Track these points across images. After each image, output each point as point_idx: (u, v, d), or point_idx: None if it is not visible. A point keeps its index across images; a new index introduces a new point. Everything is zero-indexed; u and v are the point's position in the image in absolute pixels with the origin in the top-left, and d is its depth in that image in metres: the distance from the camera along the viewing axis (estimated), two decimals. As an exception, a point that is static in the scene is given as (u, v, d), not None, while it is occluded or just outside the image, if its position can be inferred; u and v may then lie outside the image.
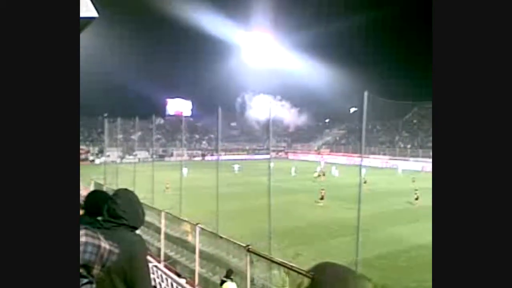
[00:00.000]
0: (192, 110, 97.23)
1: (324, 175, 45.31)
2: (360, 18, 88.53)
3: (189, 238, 12.59)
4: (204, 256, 11.25)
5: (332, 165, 60.28)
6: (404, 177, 42.01)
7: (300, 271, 6.40)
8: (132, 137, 59.93)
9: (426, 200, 27.56)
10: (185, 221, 14.28)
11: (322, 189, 28.93)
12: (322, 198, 27.78)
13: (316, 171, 44.85)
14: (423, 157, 61.61)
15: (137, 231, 2.41)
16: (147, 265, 2.50)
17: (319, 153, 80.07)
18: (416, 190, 28.58)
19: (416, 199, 27.52)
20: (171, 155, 74.15)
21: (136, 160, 45.28)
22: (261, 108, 58.91)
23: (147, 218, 14.41)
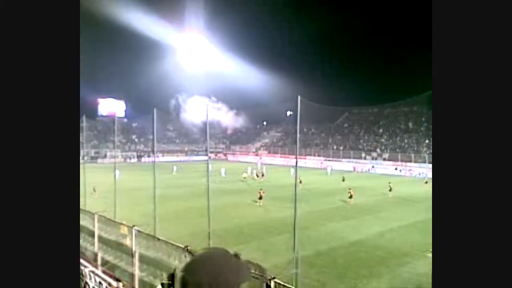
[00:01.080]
0: (125, 111, 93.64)
1: (263, 175, 46.65)
2: (296, 24, 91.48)
3: (127, 241, 12.18)
4: (143, 259, 10.96)
5: (269, 166, 61.67)
6: (337, 177, 44.15)
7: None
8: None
9: (359, 198, 29.49)
10: (120, 223, 13.78)
11: (261, 189, 29.40)
12: (260, 198, 28.26)
13: (246, 172, 45.72)
14: (354, 158, 65.57)
15: None
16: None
17: (257, 155, 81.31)
18: (350, 188, 30.33)
19: (350, 197, 29.12)
20: (105, 156, 70.75)
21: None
22: (197, 110, 58.34)
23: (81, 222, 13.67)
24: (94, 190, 28.04)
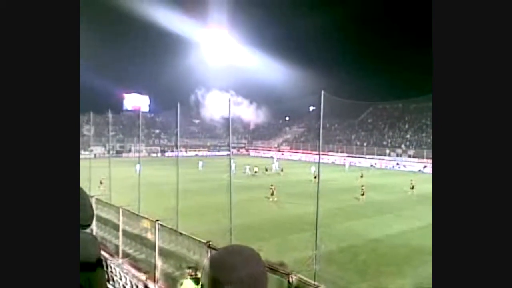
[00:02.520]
0: (150, 105, 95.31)
1: (282, 170, 46.94)
2: (318, 18, 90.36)
3: (148, 235, 12.38)
4: (165, 253, 11.13)
5: (289, 161, 61.43)
6: (356, 173, 43.51)
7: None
8: (86, 132, 57.69)
9: (375, 196, 29.01)
10: (144, 217, 14.02)
11: (272, 185, 29.20)
12: (272, 194, 28.14)
13: (257, 167, 46.32)
14: (378, 154, 64.46)
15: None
16: (103, 267, 2.32)
17: (279, 150, 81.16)
18: (363, 186, 30.15)
19: (362, 194, 28.90)
20: (129, 150, 72.21)
21: (92, 155, 43.64)
22: (218, 105, 58.67)
23: (105, 215, 14.00)
24: (101, 182, 27.98)
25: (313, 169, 43.08)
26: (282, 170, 47.48)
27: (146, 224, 12.60)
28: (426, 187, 34.64)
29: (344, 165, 58.68)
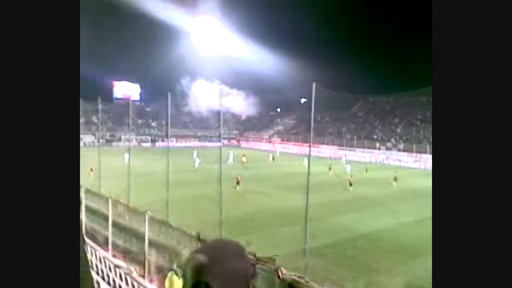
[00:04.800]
0: (140, 94, 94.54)
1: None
2: (311, 8, 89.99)
3: (132, 223, 12.29)
4: (155, 245, 11.10)
5: (280, 153, 61.71)
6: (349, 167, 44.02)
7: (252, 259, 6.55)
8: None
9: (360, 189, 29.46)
10: (133, 209, 13.96)
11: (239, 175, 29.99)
12: (238, 183, 28.98)
13: (245, 156, 47.16)
14: (368, 148, 64.90)
15: None
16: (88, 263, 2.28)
17: (270, 142, 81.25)
18: (351, 176, 32.04)
19: (350, 185, 30.34)
20: (119, 139, 71.58)
21: (82, 144, 43.21)
22: (210, 95, 58.42)
23: (94, 205, 13.90)
24: (91, 170, 27.62)
25: (348, 167, 44.30)
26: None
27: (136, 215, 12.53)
28: (413, 181, 35.40)
29: (335, 158, 59.01)
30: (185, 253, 9.84)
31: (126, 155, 25.06)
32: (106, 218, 13.16)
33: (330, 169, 39.34)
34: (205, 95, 65.03)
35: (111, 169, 27.29)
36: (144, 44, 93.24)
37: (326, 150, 65.06)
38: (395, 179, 33.53)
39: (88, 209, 14.45)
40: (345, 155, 58.68)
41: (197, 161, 43.05)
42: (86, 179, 22.77)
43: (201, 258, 1.08)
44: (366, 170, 41.73)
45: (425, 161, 52.78)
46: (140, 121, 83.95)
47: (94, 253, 9.25)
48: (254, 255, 6.76)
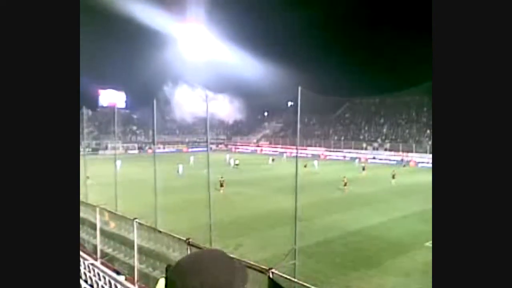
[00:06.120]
0: (126, 101, 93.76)
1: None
2: (295, 14, 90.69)
3: (122, 231, 12.18)
4: (144, 251, 11.01)
5: (268, 156, 61.90)
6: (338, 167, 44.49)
7: (242, 262, 6.55)
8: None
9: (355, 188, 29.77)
10: (121, 216, 13.82)
11: (221, 177, 30.37)
12: (221, 185, 29.43)
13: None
14: (355, 148, 65.58)
15: None
16: None
17: (258, 145, 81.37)
18: (344, 177, 31.93)
19: (344, 185, 30.74)
20: (106, 148, 70.79)
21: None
22: (196, 101, 58.34)
23: (82, 214, 13.74)
24: (88, 178, 27.50)
25: (316, 162, 47.31)
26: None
27: (124, 222, 12.42)
28: (404, 178, 36.17)
29: (323, 159, 59.42)
30: (175, 257, 9.79)
31: (118, 162, 24.76)
32: (93, 227, 13.02)
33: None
34: (191, 101, 64.87)
35: (104, 176, 26.86)
36: (130, 51, 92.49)
37: (313, 152, 65.53)
38: (393, 176, 34.95)
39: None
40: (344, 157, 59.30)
41: (192, 166, 43.58)
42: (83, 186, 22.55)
43: (181, 270, 1.07)
44: (363, 169, 43.01)
45: (412, 160, 53.75)
46: (126, 129, 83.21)
47: (83, 263, 9.15)
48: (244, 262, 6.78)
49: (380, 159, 58.84)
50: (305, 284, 7.91)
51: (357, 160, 56.86)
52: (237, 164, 47.51)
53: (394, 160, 56.00)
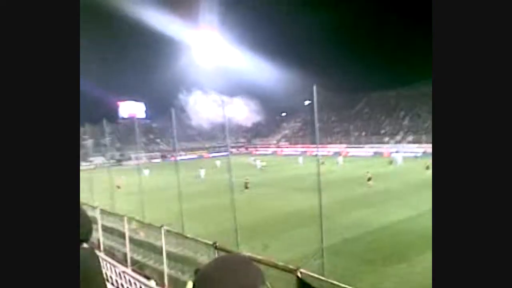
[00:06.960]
0: (146, 111, 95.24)
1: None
2: (308, 12, 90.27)
3: (150, 239, 12.40)
4: (172, 257, 11.18)
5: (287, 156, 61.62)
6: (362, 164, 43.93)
7: (267, 262, 6.59)
8: (85, 142, 57.64)
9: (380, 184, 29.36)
10: (149, 224, 14.06)
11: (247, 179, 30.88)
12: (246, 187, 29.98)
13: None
14: (376, 143, 64.61)
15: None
16: (104, 281, 2.26)
17: (278, 147, 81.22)
18: (368, 172, 31.83)
19: (369, 179, 30.55)
20: (129, 158, 72.10)
21: (92, 166, 43.55)
22: (215, 107, 58.79)
23: (112, 224, 14.05)
24: (118, 187, 28.14)
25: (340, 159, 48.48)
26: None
27: (152, 230, 12.63)
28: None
29: (346, 156, 58.84)
30: (203, 260, 9.90)
31: (146, 171, 25.24)
32: (122, 235, 13.31)
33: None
34: (208, 107, 65.39)
35: (131, 185, 27.41)
36: (146, 61, 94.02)
37: (334, 149, 64.92)
38: (427, 168, 32.57)
39: (105, 228, 14.62)
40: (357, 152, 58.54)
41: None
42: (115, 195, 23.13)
43: (204, 279, 1.11)
44: (391, 163, 43.08)
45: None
46: (148, 138, 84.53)
47: (113, 269, 9.38)
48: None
49: (405, 152, 57.79)
50: (334, 282, 7.87)
51: (383, 154, 56.17)
52: (264, 166, 47.94)
53: (418, 153, 54.89)
